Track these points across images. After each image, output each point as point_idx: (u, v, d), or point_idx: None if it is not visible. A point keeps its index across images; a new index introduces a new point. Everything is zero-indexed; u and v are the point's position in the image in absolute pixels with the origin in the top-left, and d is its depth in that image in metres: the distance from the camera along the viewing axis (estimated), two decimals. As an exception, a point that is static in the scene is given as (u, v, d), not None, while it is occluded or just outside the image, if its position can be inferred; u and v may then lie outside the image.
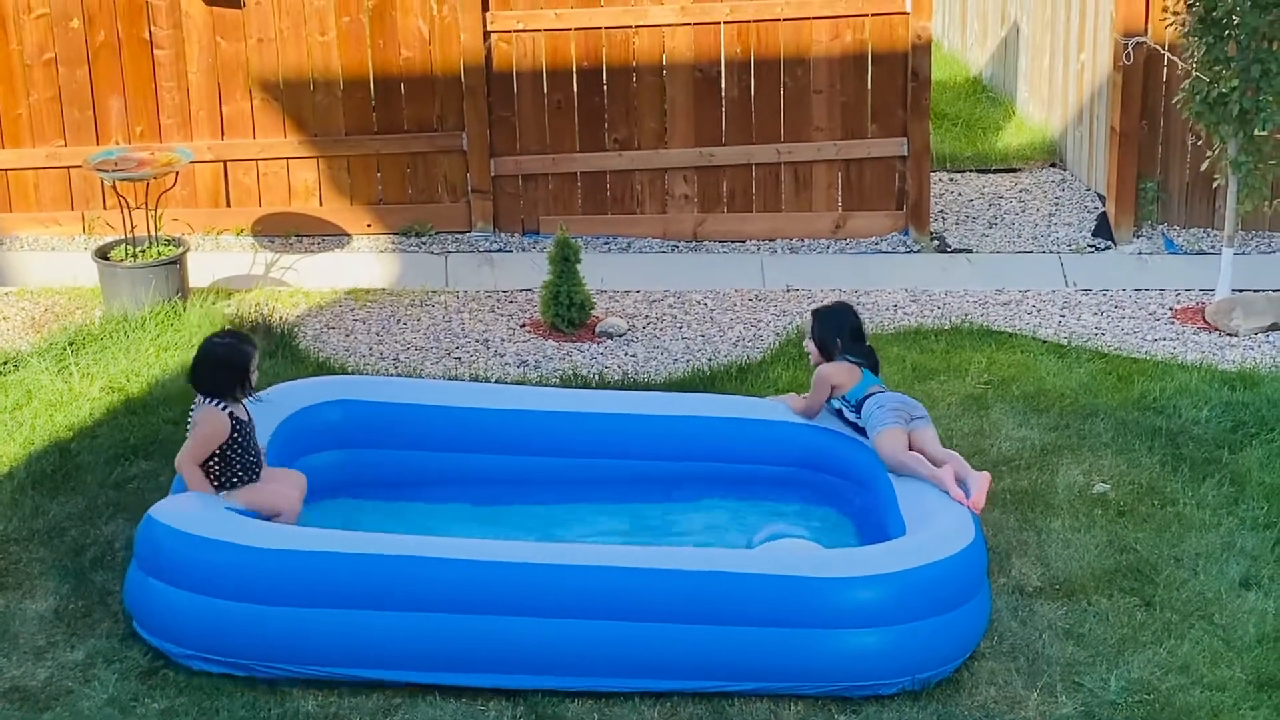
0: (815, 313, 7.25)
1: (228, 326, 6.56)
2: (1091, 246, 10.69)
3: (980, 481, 6.43)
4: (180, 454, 6.44)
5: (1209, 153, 9.57)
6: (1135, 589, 6.58)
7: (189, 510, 6.17)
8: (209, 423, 6.40)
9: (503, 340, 9.27)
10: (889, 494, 6.52)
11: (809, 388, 7.10)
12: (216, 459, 6.41)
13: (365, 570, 5.90)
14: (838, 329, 7.06)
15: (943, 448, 6.67)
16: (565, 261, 9.25)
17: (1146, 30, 10.36)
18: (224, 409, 6.41)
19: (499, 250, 10.56)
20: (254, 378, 6.56)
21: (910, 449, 6.60)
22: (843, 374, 6.97)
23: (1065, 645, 6.23)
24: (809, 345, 7.15)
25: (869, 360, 7.06)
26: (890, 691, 5.89)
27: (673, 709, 5.83)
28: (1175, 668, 6.08)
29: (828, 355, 7.05)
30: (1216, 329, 9.36)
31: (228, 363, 6.47)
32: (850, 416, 6.94)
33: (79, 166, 10.22)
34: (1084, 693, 5.95)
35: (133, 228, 9.36)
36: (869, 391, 6.88)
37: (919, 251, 10.60)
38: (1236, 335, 9.28)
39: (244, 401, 6.53)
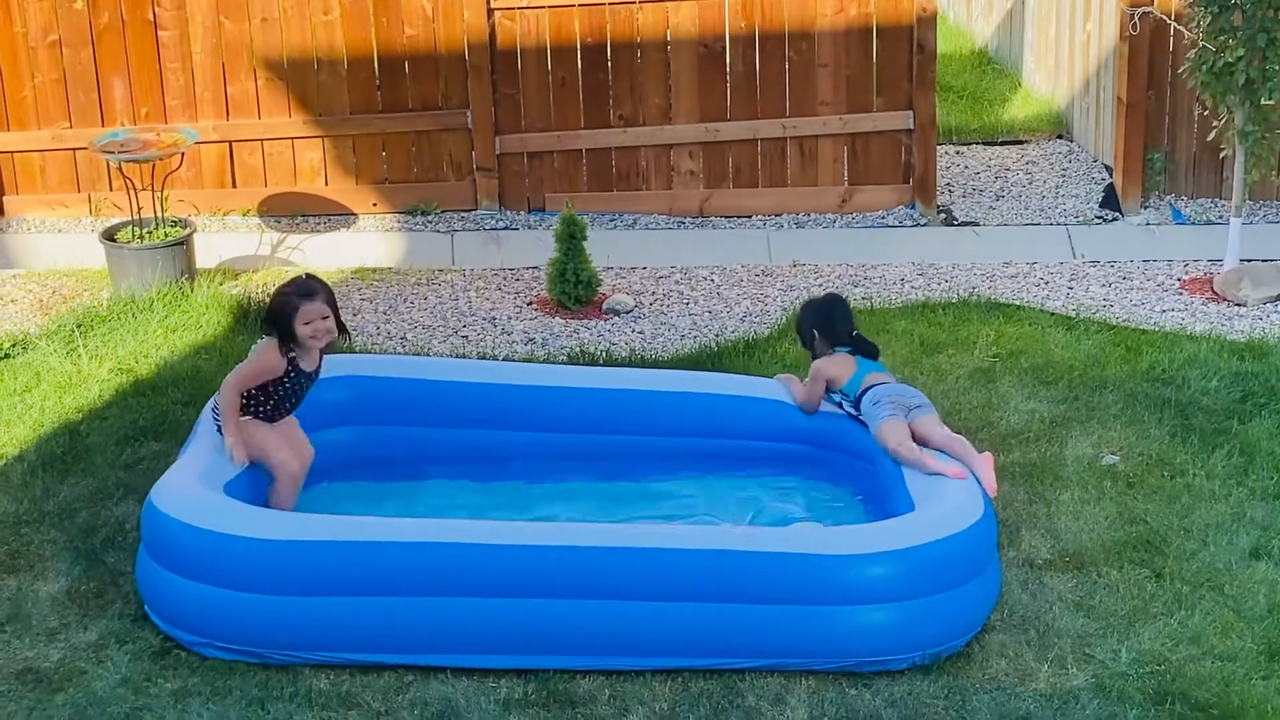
0: (800, 309, 7.19)
1: (304, 275, 6.63)
2: (1099, 218, 10.67)
3: (984, 466, 6.39)
4: (230, 374, 6.53)
5: (1215, 122, 9.54)
6: (1145, 560, 6.59)
7: (191, 496, 6.14)
8: (262, 358, 6.49)
9: (510, 318, 9.27)
10: (896, 470, 6.51)
11: (809, 368, 7.08)
12: (259, 390, 6.49)
13: (372, 557, 5.88)
14: (822, 322, 7.00)
15: (945, 432, 6.61)
16: (571, 239, 9.25)
17: (1153, 0, 10.33)
18: (285, 350, 6.47)
19: (505, 228, 10.55)
20: (315, 328, 6.48)
21: (915, 439, 6.56)
22: (837, 366, 6.94)
23: (1076, 617, 6.23)
24: (800, 340, 7.12)
25: (863, 348, 7.00)
26: (901, 666, 5.90)
27: (684, 685, 5.84)
28: (1186, 639, 6.09)
29: (813, 351, 7.01)
30: (1225, 299, 9.35)
31: (274, 311, 6.52)
32: (850, 411, 6.91)
33: (85, 148, 10.22)
34: (1095, 664, 5.96)
35: (139, 209, 9.37)
36: (865, 385, 6.82)
37: (926, 225, 10.59)
38: (1245, 305, 9.26)
39: (317, 351, 6.56)
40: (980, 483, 6.31)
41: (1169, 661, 5.96)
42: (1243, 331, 8.85)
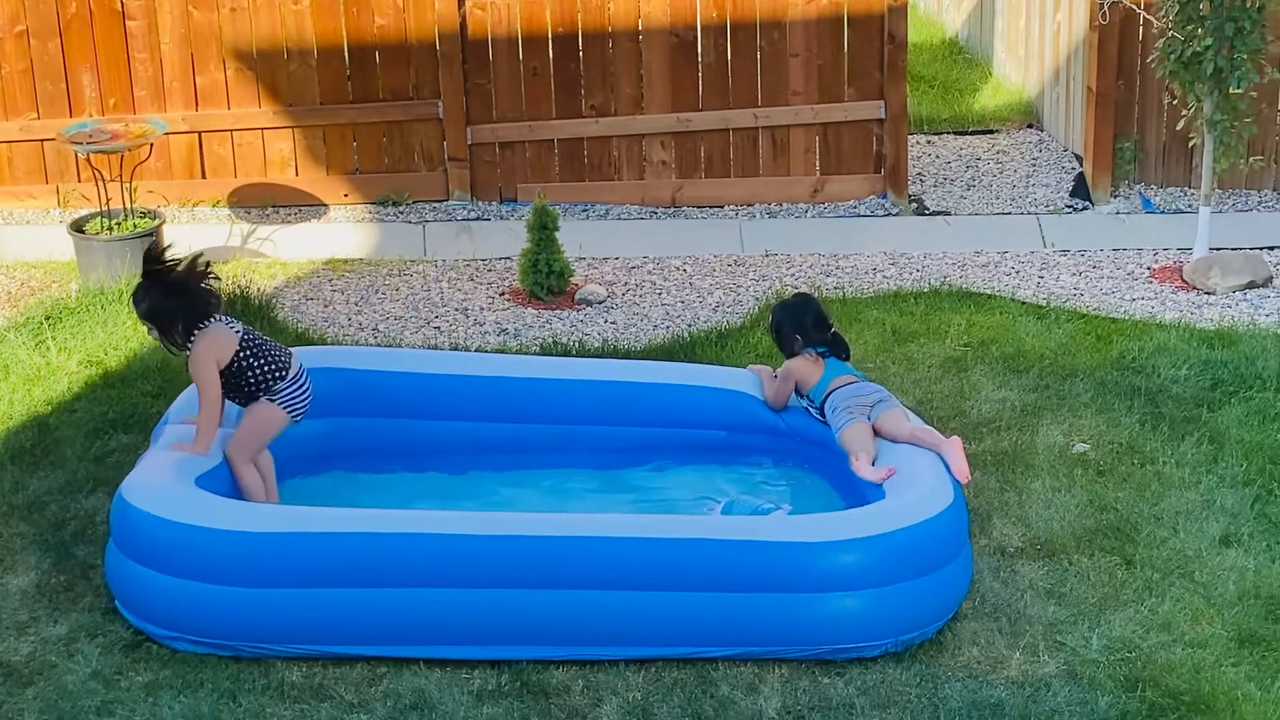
0: (773, 309, 7.20)
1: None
2: (1069, 207, 10.70)
3: (954, 450, 6.39)
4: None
5: (1185, 112, 9.57)
6: (1116, 548, 6.61)
7: (161, 490, 6.11)
8: (207, 347, 6.34)
9: (482, 309, 9.25)
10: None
11: (781, 362, 7.08)
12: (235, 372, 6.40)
13: (344, 549, 5.87)
14: (795, 324, 6.99)
15: (910, 426, 6.62)
16: (544, 229, 9.24)
17: (1122, -10, 10.36)
18: (225, 324, 6.40)
19: (477, 219, 10.53)
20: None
21: (882, 435, 6.58)
22: (806, 368, 6.93)
23: (1047, 605, 6.25)
24: (773, 337, 7.12)
25: (835, 348, 7.01)
26: (873, 653, 5.91)
27: (657, 674, 5.85)
28: (1156, 625, 6.11)
29: (787, 351, 7.01)
30: (1194, 288, 9.38)
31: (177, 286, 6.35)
32: (816, 416, 6.92)
33: (52, 139, 10.17)
34: (1066, 651, 5.98)
35: (108, 200, 9.32)
36: (830, 388, 6.83)
37: (897, 214, 10.60)
38: (1214, 294, 9.30)
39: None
40: (950, 470, 6.32)
41: (1140, 648, 5.98)
42: (1212, 320, 8.88)
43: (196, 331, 6.38)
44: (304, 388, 6.54)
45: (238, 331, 6.44)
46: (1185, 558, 6.54)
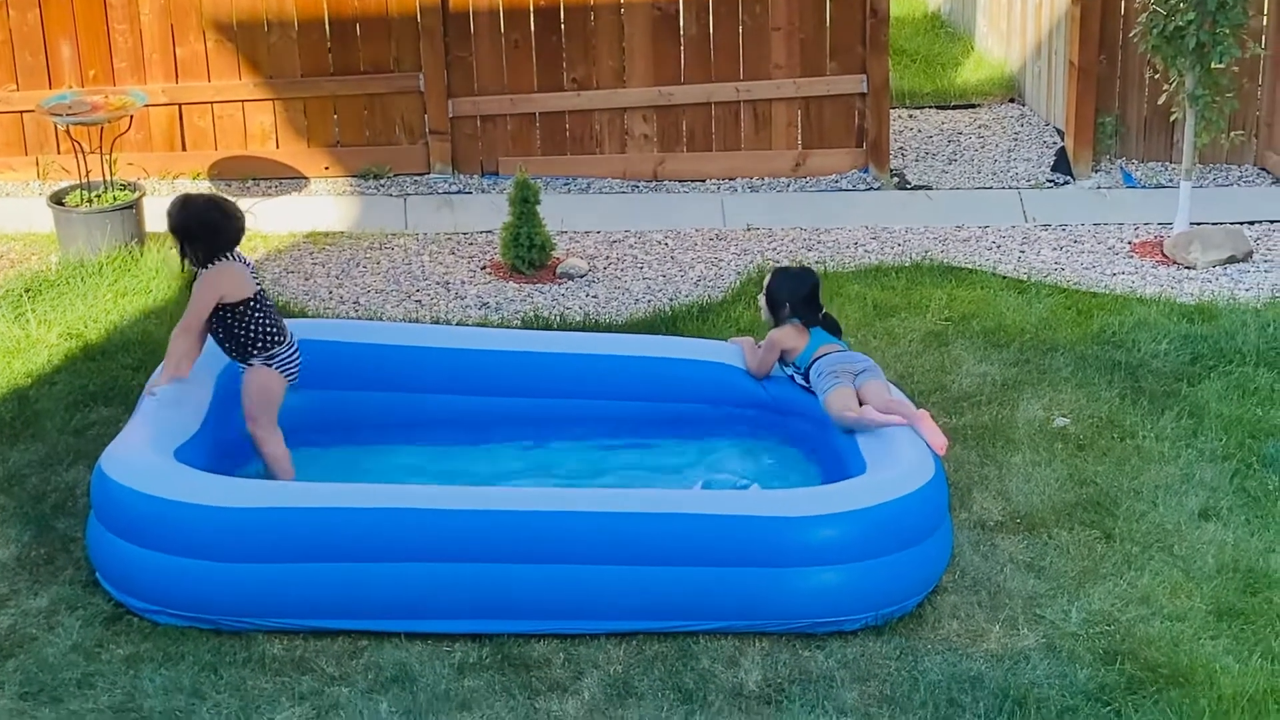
0: (773, 272, 7.19)
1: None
2: (1050, 181, 10.71)
3: (924, 424, 6.39)
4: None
5: (1166, 86, 9.58)
6: (1095, 522, 6.63)
7: (141, 464, 6.10)
8: (218, 276, 6.44)
9: (463, 282, 9.24)
10: (849, 432, 6.53)
11: (764, 333, 7.08)
12: (231, 319, 6.46)
13: (325, 523, 5.86)
14: (791, 294, 6.98)
15: (889, 398, 6.63)
16: (525, 203, 9.22)
17: (1104, -36, 10.36)
18: (248, 268, 6.51)
19: (458, 192, 10.51)
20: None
21: (862, 403, 6.59)
22: (792, 337, 6.94)
23: (1026, 578, 6.27)
24: (761, 300, 7.11)
25: (824, 324, 7.00)
26: (854, 627, 5.93)
27: (638, 648, 5.86)
28: (1135, 599, 6.14)
29: (776, 318, 7.01)
30: (1175, 262, 9.40)
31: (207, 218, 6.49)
32: (801, 383, 6.93)
33: (32, 111, 10.12)
34: (1045, 625, 6.00)
35: (87, 172, 9.28)
36: (815, 356, 6.84)
37: (879, 189, 10.60)
38: (1194, 268, 9.32)
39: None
40: (927, 443, 6.33)
41: (1119, 622, 6.01)
42: (1192, 294, 8.91)
43: (216, 261, 6.46)
44: (296, 356, 6.62)
45: (258, 282, 6.53)
46: (1164, 531, 6.56)
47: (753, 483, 6.69)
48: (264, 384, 6.52)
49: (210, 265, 6.47)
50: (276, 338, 6.54)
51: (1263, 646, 5.84)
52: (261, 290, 6.55)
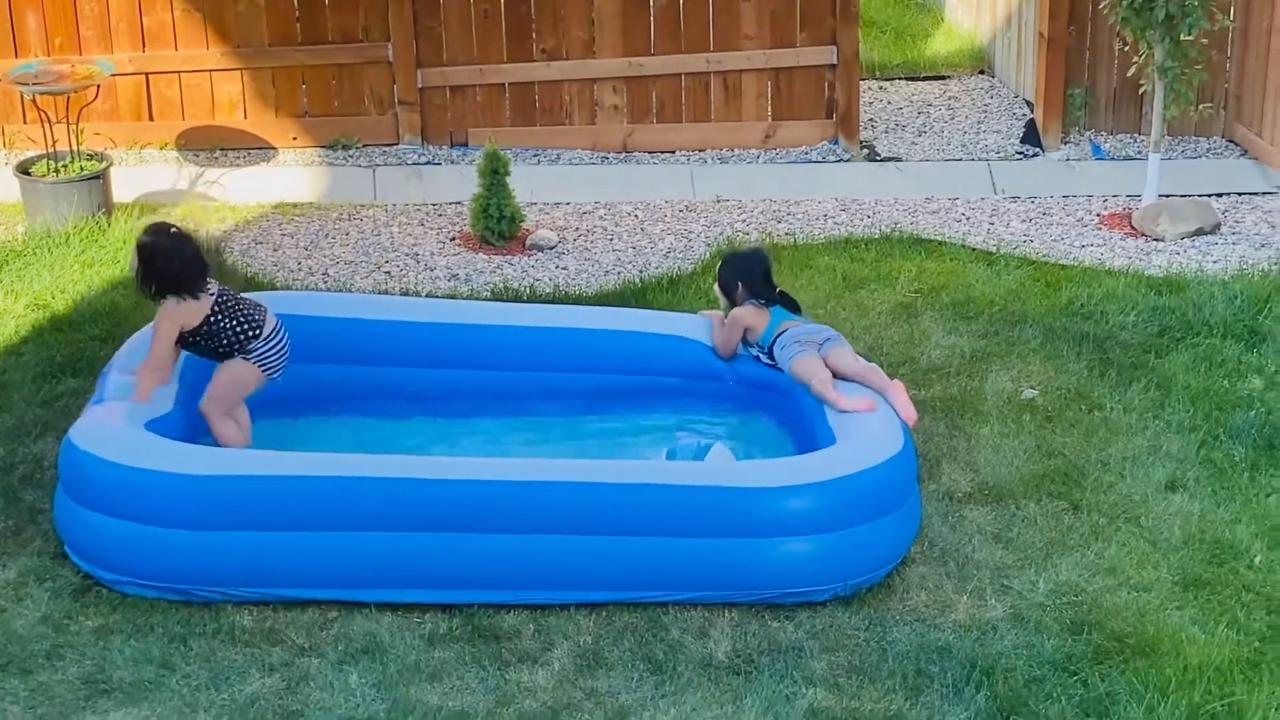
0: (723, 259, 7.19)
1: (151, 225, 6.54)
2: (1020, 153, 10.73)
3: (896, 393, 6.42)
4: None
5: (1136, 58, 9.60)
6: (1063, 493, 6.67)
7: (110, 433, 6.08)
8: (175, 312, 6.33)
9: (433, 254, 9.22)
10: (817, 404, 6.54)
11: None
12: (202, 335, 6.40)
13: (295, 492, 5.86)
14: (743, 274, 6.98)
15: (859, 364, 6.64)
16: (495, 174, 9.19)
17: (1074, -65, 10.36)
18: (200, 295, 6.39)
19: (427, 163, 10.48)
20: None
21: (835, 374, 6.58)
22: (752, 316, 6.95)
23: (994, 549, 6.30)
24: (716, 290, 7.11)
25: (782, 301, 7.00)
26: (823, 598, 5.95)
27: (608, 618, 5.87)
28: (1103, 569, 6.18)
29: (730, 300, 7.01)
30: (1143, 234, 9.43)
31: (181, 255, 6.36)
32: (766, 361, 6.93)
33: (-3, 80, 10.05)
34: (1013, 595, 6.03)
35: (54, 142, 9.22)
36: (778, 332, 6.85)
37: (849, 160, 10.60)
38: (1163, 240, 9.35)
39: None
40: (898, 413, 6.35)
41: (1085, 592, 6.04)
42: (1160, 266, 8.94)
43: (172, 296, 6.36)
44: (279, 346, 6.53)
45: (213, 294, 6.43)
46: (1131, 503, 6.60)
47: (715, 441, 6.70)
48: (236, 377, 6.46)
49: (164, 300, 6.37)
50: (251, 333, 6.45)
51: (1228, 616, 5.88)
52: (222, 294, 6.44)
